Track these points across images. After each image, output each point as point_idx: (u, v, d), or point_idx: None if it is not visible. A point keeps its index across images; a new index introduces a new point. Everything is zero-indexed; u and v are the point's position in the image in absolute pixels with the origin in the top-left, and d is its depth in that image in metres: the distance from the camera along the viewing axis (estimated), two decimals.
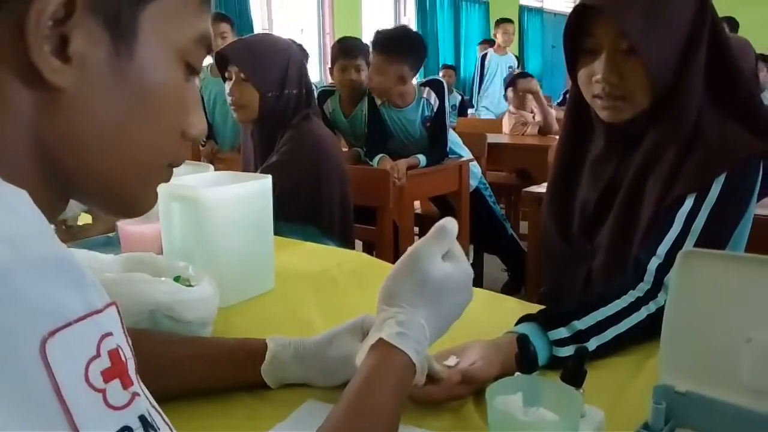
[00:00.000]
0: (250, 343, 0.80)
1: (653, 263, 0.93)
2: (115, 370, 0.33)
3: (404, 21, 7.93)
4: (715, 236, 0.94)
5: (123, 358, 0.34)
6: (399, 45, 2.58)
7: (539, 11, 9.79)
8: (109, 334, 0.33)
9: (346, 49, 2.83)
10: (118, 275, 0.90)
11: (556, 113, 3.87)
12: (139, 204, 0.49)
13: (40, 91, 0.39)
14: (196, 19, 0.47)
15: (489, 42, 6.75)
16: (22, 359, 0.29)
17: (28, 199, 0.34)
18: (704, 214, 0.94)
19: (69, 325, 0.31)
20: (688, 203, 0.95)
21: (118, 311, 0.35)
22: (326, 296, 1.13)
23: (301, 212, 1.73)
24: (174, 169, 0.51)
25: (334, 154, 1.88)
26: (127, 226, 1.23)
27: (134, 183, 0.47)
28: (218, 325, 0.95)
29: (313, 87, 1.89)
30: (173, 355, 0.78)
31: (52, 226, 0.44)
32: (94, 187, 0.45)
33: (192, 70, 0.47)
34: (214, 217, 1.05)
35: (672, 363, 0.65)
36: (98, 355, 0.32)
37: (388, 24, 7.20)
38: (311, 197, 1.76)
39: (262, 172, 1.69)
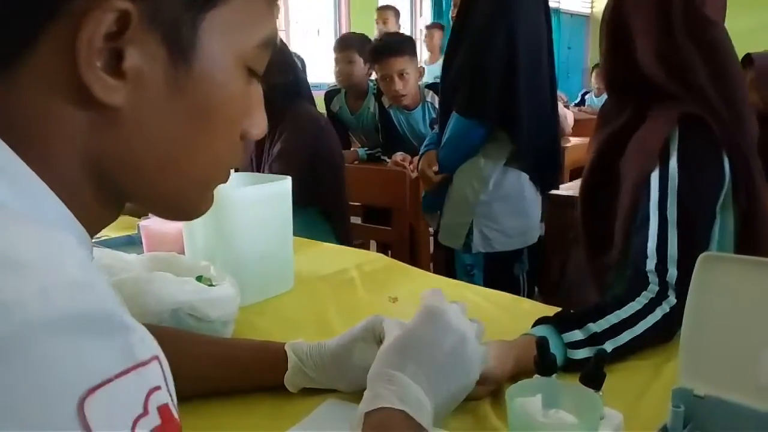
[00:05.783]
0: (270, 347, 0.80)
1: (650, 264, 0.93)
2: (168, 430, 0.30)
3: (420, 21, 7.91)
4: (692, 218, 0.95)
5: (175, 416, 0.31)
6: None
7: (556, 11, 9.73)
8: (158, 388, 0.30)
9: (338, 43, 3.01)
10: (141, 274, 0.92)
11: (573, 115, 3.85)
12: (198, 210, 0.46)
13: (93, 110, 0.36)
14: (262, 23, 0.42)
15: None
16: (59, 424, 0.26)
17: (72, 241, 0.32)
18: (672, 197, 0.94)
19: (109, 381, 0.28)
20: (654, 189, 0.96)
21: (161, 364, 0.32)
22: (344, 297, 1.14)
23: (304, 194, 1.80)
24: None
25: (328, 134, 2.04)
26: (149, 226, 1.25)
27: (195, 194, 0.44)
28: (239, 324, 0.96)
29: (305, 76, 2.00)
30: (193, 355, 0.78)
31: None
32: (153, 199, 0.43)
33: (254, 73, 0.43)
34: (235, 218, 1.06)
35: (691, 366, 0.65)
36: (146, 412, 0.29)
37: (404, 23, 7.18)
38: (312, 179, 1.87)
39: (271, 162, 1.79)
